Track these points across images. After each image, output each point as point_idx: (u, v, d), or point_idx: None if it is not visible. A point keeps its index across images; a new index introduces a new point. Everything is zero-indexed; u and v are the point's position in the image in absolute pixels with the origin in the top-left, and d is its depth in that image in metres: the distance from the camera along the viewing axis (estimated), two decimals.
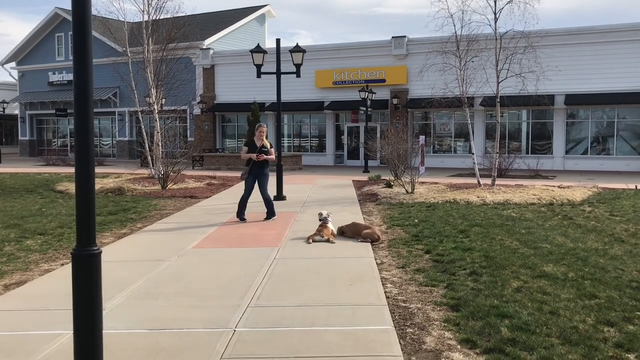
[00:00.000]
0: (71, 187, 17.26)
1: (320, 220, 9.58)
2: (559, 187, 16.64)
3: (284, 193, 15.21)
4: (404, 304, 5.91)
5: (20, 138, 43.67)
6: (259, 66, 15.66)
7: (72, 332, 3.84)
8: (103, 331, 3.94)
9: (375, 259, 7.95)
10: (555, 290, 6.25)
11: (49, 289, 6.66)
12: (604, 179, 20.79)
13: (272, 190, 15.55)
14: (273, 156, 11.84)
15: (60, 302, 5.84)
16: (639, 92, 25.48)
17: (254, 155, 11.31)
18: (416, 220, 11.18)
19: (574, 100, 26.51)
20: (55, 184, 18.97)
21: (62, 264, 7.85)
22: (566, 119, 27.72)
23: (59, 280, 6.92)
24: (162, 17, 21.35)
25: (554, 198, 14.14)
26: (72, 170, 25.11)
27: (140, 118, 22.45)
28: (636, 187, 17.28)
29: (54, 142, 42.66)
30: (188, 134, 35.38)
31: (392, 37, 30.01)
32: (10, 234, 10.02)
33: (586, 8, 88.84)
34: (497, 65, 16.24)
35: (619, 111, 27.00)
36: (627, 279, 6.70)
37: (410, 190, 15.62)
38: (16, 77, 43.21)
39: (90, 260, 3.80)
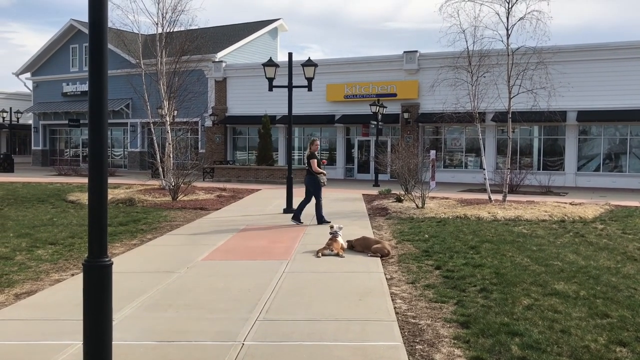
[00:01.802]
0: (82, 197, 17.39)
1: (330, 233, 9.58)
2: (570, 204, 16.52)
3: (294, 206, 15.18)
4: (413, 320, 5.88)
5: (33, 148, 44.10)
6: (270, 79, 15.75)
7: (82, 342, 3.85)
8: (112, 342, 3.94)
9: (385, 274, 7.91)
10: (566, 308, 6.19)
11: (59, 298, 6.69)
12: (617, 196, 20.62)
13: (282, 204, 15.66)
14: None
15: (70, 312, 5.86)
16: None
17: (324, 171, 13.26)
18: (426, 236, 11.13)
19: (586, 116, 26.38)
20: (67, 194, 19.10)
21: (73, 274, 7.88)
22: (578, 136, 27.58)
23: (69, 290, 6.95)
24: (175, 30, 21.56)
25: (565, 215, 14.04)
26: (83, 180, 25.30)
27: (152, 129, 22.61)
28: None
29: (66, 152, 43.01)
30: (199, 146, 35.55)
31: (404, 52, 30.09)
32: (21, 244, 10.09)
33: (598, 24, 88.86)
34: (508, 81, 16.21)
35: (631, 128, 26.83)
36: None
37: (420, 205, 15.58)
38: (31, 88, 43.72)
39: (102, 271, 3.82)
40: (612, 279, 7.52)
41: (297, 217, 13.04)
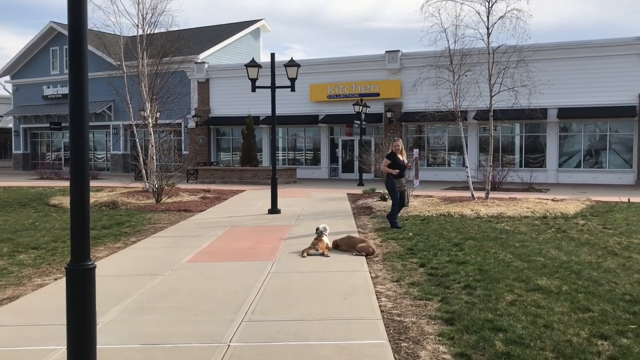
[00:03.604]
0: (65, 201, 17.22)
1: (316, 233, 9.60)
2: (552, 200, 16.71)
3: (279, 206, 15.21)
4: (398, 318, 5.91)
5: (14, 152, 43.57)
6: (253, 80, 15.73)
7: (66, 347, 3.83)
8: (97, 346, 3.93)
9: (370, 273, 7.95)
10: (549, 303, 6.27)
11: (42, 303, 6.63)
12: (597, 192, 20.89)
13: (267, 204, 15.64)
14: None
15: (54, 317, 5.81)
16: (631, 106, 25.73)
17: (394, 171, 12.09)
18: (410, 234, 11.20)
19: (567, 113, 26.70)
20: (49, 198, 18.91)
21: (56, 279, 7.81)
22: (559, 133, 27.91)
23: (52, 295, 6.89)
24: (156, 31, 21.44)
25: (547, 211, 14.19)
26: (66, 184, 25.03)
27: (135, 132, 22.47)
28: (629, 200, 17.38)
29: (48, 155, 42.56)
30: (182, 148, 35.39)
31: (386, 52, 30.21)
32: (3, 249, 9.97)
33: (577, 23, 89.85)
34: (490, 79, 16.36)
35: (611, 125, 27.21)
36: (621, 292, 6.73)
37: (405, 203, 15.64)
38: (10, 91, 43.20)
39: (85, 275, 3.80)
40: (594, 274, 7.62)
41: (393, 224, 12.08)
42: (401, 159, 12.23)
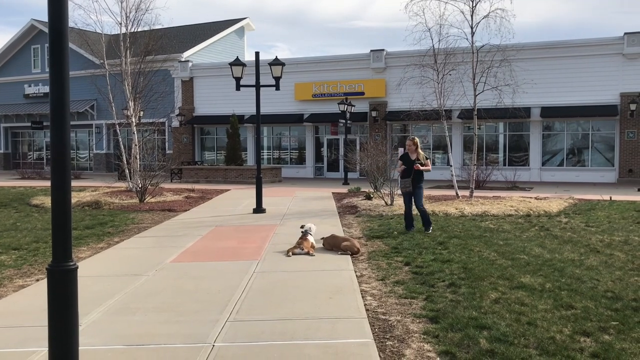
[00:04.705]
0: (47, 201, 17.02)
1: (301, 232, 9.59)
2: (535, 198, 16.84)
3: (264, 206, 15.16)
4: (383, 317, 5.92)
5: None
6: (238, 79, 15.67)
7: (48, 349, 3.78)
8: (79, 347, 3.88)
9: (355, 272, 7.95)
10: (532, 301, 6.31)
11: (23, 305, 6.55)
12: (580, 190, 21.11)
13: (252, 203, 15.59)
14: (429, 167, 11.51)
15: (35, 319, 5.74)
16: (613, 105, 26.04)
17: (400, 169, 11.35)
18: (395, 233, 11.22)
19: (550, 112, 26.95)
20: (31, 198, 18.68)
21: (38, 280, 7.72)
22: (542, 131, 28.16)
23: (34, 296, 6.80)
24: (140, 29, 21.28)
25: (531, 209, 14.30)
26: (48, 183, 24.68)
27: (118, 131, 22.28)
28: (610, 198, 17.57)
29: (30, 155, 42.07)
30: (166, 147, 35.15)
31: (371, 51, 30.26)
32: None
33: (559, 22, 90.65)
34: (474, 79, 16.45)
35: (593, 123, 27.51)
36: (603, 289, 6.80)
37: (389, 202, 15.69)
38: None
39: (67, 275, 3.75)
40: (576, 271, 7.69)
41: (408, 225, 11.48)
42: (412, 157, 11.30)
